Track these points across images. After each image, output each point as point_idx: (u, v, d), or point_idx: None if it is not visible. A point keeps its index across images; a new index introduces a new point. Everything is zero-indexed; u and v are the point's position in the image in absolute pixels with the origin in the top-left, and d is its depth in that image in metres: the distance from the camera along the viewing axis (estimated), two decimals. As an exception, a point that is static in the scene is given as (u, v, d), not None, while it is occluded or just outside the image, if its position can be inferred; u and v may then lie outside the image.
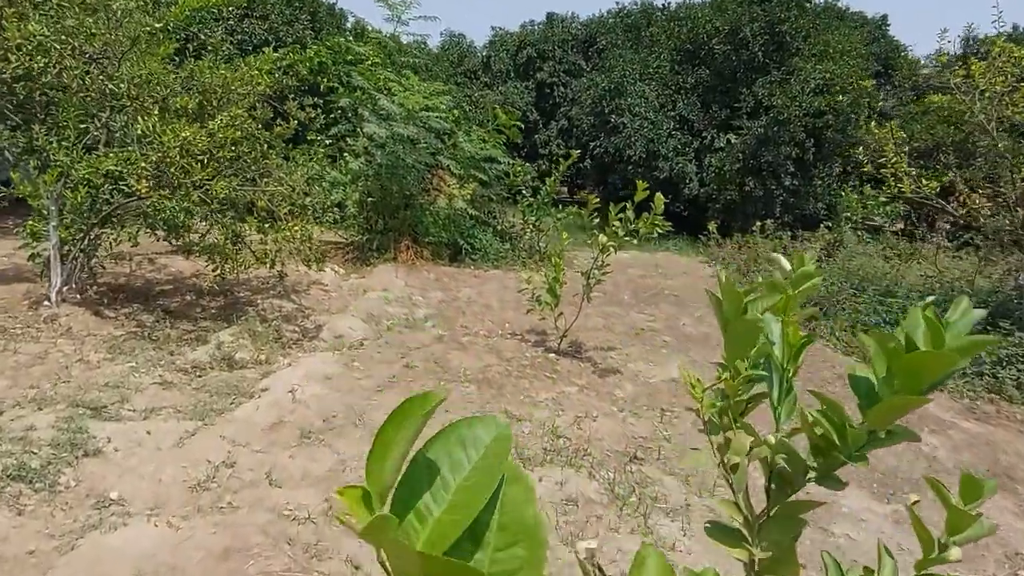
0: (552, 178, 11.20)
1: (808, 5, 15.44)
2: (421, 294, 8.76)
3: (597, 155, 17.28)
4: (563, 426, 4.81)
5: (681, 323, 8.24)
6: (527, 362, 6.27)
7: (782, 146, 14.08)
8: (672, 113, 16.23)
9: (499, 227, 11.54)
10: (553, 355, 6.57)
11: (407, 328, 7.16)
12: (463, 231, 11.00)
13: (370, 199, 10.85)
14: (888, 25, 26.92)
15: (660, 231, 5.57)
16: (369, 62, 11.83)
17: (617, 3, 31.27)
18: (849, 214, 12.05)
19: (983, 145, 16.55)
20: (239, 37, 18.49)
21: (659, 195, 5.45)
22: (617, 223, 5.73)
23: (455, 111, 11.24)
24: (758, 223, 13.62)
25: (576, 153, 10.90)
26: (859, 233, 12.14)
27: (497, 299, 8.74)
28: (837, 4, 20.95)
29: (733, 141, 15.14)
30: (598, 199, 6.29)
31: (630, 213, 5.71)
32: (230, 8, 21.36)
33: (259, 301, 7.56)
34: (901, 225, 15.19)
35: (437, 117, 10.19)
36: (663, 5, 27.58)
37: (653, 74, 17.16)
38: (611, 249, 5.88)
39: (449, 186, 11.02)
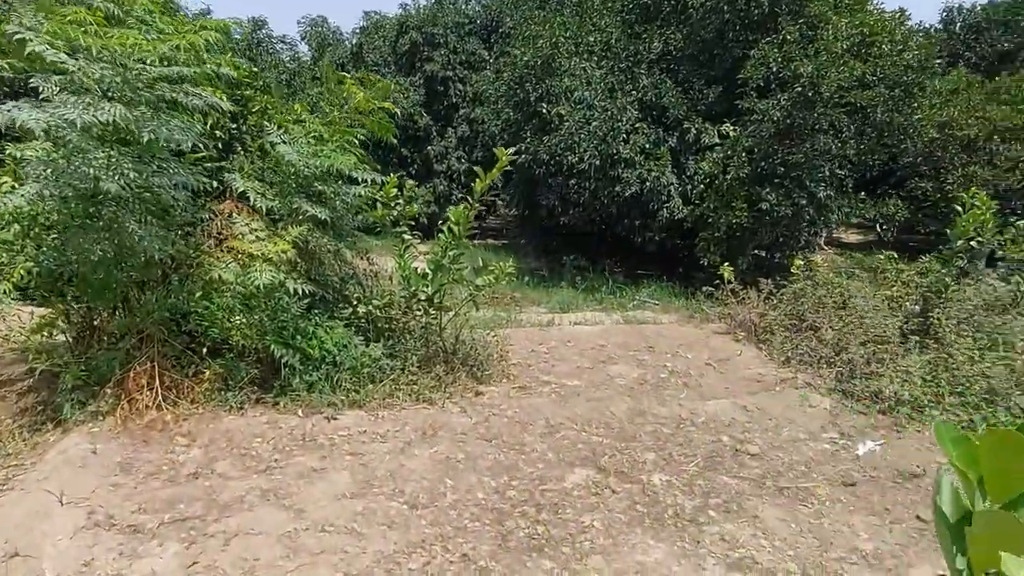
0: (463, 207, 5.99)
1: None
2: (129, 559, 3.32)
3: (522, 165, 12.27)
4: None
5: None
6: None
7: (817, 135, 9.56)
8: (632, 98, 11.48)
9: (361, 309, 6.16)
10: None
11: None
12: (283, 327, 5.59)
13: (67, 271, 5.31)
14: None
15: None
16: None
17: (522, -21, 26.66)
18: (974, 241, 7.50)
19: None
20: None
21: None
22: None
23: (245, 69, 6.00)
24: (797, 260, 8.98)
25: (509, 152, 5.73)
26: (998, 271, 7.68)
27: (350, 538, 3.38)
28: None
29: (732, 134, 10.54)
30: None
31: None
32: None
33: None
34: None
35: (194, 74, 4.85)
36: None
37: (595, 44, 12.43)
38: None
39: (248, 236, 5.60)
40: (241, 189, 5.71)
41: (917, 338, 7.01)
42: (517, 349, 7.26)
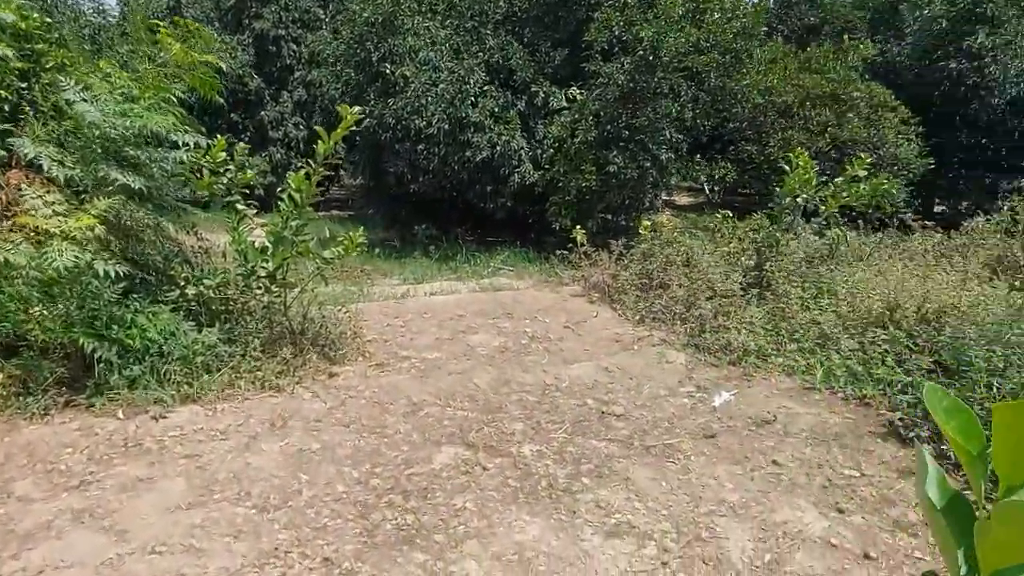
0: (304, 172, 5.46)
1: None
2: None
3: (367, 130, 11.65)
4: None
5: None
6: None
7: (658, 99, 9.84)
8: (479, 60, 11.22)
9: (191, 290, 5.47)
10: None
11: None
12: (94, 316, 4.83)
13: None
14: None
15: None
16: None
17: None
18: (799, 198, 8.05)
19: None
20: None
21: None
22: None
23: (36, 19, 5.08)
24: (645, 221, 9.25)
25: (356, 111, 5.26)
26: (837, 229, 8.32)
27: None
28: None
29: (579, 98, 10.60)
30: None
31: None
32: None
33: None
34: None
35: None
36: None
37: (439, 3, 11.98)
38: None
39: (43, 211, 4.75)
40: (31, 155, 4.83)
41: (756, 290, 7.44)
42: (372, 324, 6.86)
